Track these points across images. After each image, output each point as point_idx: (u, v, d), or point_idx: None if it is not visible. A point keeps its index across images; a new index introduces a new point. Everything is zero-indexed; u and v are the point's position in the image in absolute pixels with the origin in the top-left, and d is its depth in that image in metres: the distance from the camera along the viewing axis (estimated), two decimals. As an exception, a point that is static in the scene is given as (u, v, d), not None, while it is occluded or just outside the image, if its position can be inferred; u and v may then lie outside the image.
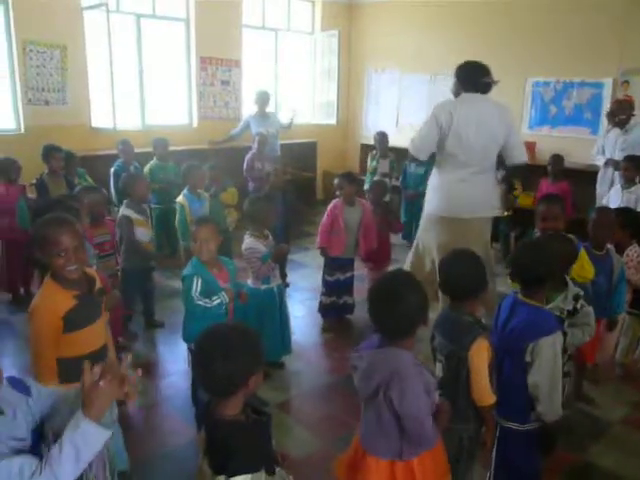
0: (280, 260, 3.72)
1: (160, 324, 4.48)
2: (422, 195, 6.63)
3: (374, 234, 4.44)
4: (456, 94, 3.81)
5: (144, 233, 4.06)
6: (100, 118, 6.70)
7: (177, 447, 3.01)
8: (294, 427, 3.23)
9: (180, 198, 4.46)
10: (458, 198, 3.67)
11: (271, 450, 1.72)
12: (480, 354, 2.04)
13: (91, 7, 6.40)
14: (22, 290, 4.98)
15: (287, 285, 5.42)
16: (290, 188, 5.30)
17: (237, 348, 1.57)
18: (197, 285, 2.86)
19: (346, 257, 4.41)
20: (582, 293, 2.57)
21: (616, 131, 5.52)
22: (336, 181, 4.41)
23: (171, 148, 6.16)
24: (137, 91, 7.28)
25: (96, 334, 2.30)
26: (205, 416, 1.68)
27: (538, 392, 2.17)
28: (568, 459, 2.94)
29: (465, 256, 2.24)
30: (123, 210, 4.04)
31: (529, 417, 2.28)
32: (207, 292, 2.88)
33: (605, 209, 3.68)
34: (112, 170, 5.67)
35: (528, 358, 2.18)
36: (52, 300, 2.14)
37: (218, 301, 2.90)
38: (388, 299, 1.83)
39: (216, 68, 7.74)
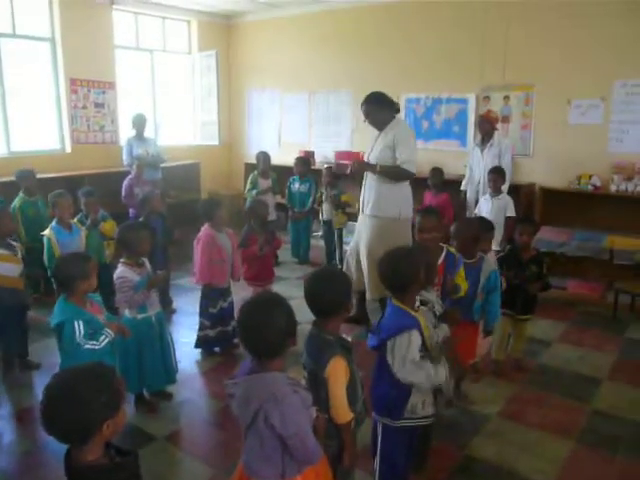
0: (158, 286, 3.59)
1: (36, 366, 4.17)
2: (307, 211, 6.86)
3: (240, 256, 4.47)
4: (389, 117, 4.42)
5: (10, 268, 3.79)
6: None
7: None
8: (184, 459, 3.11)
9: (47, 231, 4.21)
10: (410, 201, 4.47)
11: None
12: (335, 373, 2.09)
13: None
14: None
15: (173, 311, 5.28)
16: (170, 212, 5.16)
17: (83, 395, 1.49)
18: (80, 329, 2.72)
19: (224, 284, 4.37)
20: (431, 299, 2.69)
21: (477, 149, 5.98)
22: (201, 208, 4.33)
23: (43, 175, 5.81)
24: (0, 115, 6.81)
25: None
26: (64, 464, 1.58)
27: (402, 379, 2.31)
28: (450, 455, 3.08)
29: (330, 274, 2.32)
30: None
31: (400, 413, 2.39)
32: (91, 332, 2.75)
33: (467, 221, 3.99)
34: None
35: (389, 357, 2.31)
36: None
37: (107, 340, 2.78)
38: (254, 322, 1.85)
39: (88, 90, 7.43)
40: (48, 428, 1.51)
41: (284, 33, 8.57)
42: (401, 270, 2.37)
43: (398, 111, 4.51)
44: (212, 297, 4.31)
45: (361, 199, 4.64)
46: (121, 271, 3.36)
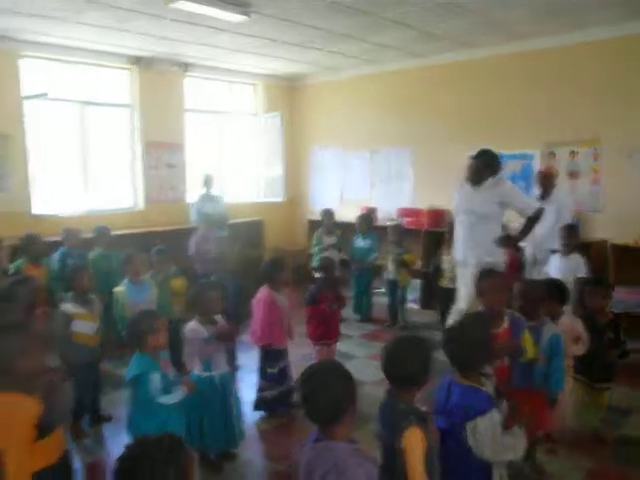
0: (226, 340, 3.63)
1: (108, 418, 4.27)
2: (369, 269, 6.87)
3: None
4: (487, 177, 4.64)
5: (87, 326, 3.94)
6: (41, 204, 6.60)
7: None
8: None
9: (119, 288, 4.37)
10: None
11: None
12: (412, 444, 2.04)
13: (31, 97, 6.44)
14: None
15: (236, 368, 5.30)
16: (240, 269, 5.27)
17: (150, 471, 1.51)
18: (155, 382, 2.78)
19: (284, 345, 4.37)
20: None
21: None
22: (264, 269, 4.38)
23: (117, 232, 6.08)
24: (80, 176, 7.25)
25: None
26: None
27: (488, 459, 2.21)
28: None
29: (412, 342, 2.25)
30: (63, 305, 3.95)
31: None
32: (164, 388, 2.81)
33: (531, 282, 3.88)
34: (55, 258, 5.51)
35: (470, 440, 2.20)
36: (23, 409, 2.04)
37: (179, 396, 2.83)
38: (311, 389, 1.88)
39: (161, 152, 7.82)
40: None
41: (343, 94, 8.82)
42: (476, 346, 2.30)
43: (500, 171, 4.74)
44: (271, 358, 4.32)
45: (456, 250, 4.83)
46: (193, 324, 3.44)
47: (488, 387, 2.39)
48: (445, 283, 6.02)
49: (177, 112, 8.04)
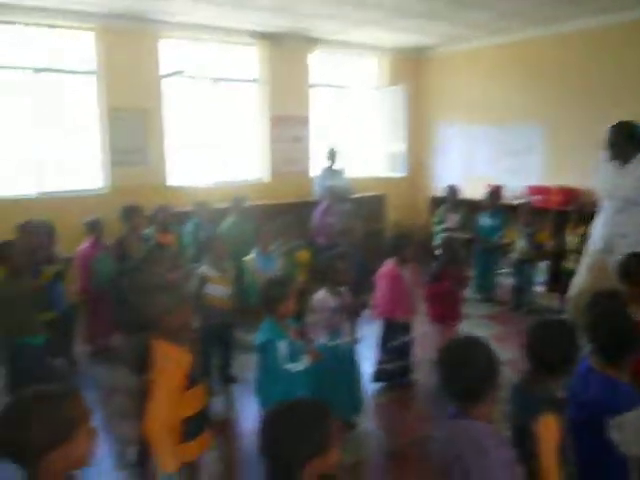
0: (352, 313, 3.68)
1: (235, 379, 4.52)
2: (495, 247, 6.62)
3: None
4: (635, 152, 4.06)
5: (220, 290, 4.17)
6: (175, 176, 7.03)
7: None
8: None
9: (249, 257, 4.55)
10: None
11: None
12: (547, 431, 1.94)
13: (169, 75, 6.82)
14: (102, 344, 5.19)
15: (357, 341, 5.36)
16: (363, 243, 5.29)
17: (291, 431, 1.55)
18: (283, 349, 2.88)
19: (406, 319, 4.35)
20: None
21: None
22: (390, 243, 4.38)
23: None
24: (211, 149, 7.61)
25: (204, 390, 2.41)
26: None
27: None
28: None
29: (559, 327, 2.14)
30: (201, 267, 4.20)
31: None
32: (292, 355, 2.90)
33: None
34: (188, 228, 5.87)
35: (614, 435, 2.06)
36: (176, 359, 2.25)
37: (305, 364, 2.92)
38: (455, 364, 1.83)
39: (287, 125, 8.01)
40: (263, 454, 1.60)
41: (473, 65, 8.47)
42: (625, 330, 2.15)
43: None
44: (394, 331, 4.32)
45: (596, 237, 4.33)
46: (322, 294, 3.52)
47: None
48: (569, 265, 5.72)
49: (302, 87, 8.16)
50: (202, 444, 2.40)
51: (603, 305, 2.32)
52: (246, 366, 4.62)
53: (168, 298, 2.29)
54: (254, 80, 7.85)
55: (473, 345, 1.88)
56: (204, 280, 4.11)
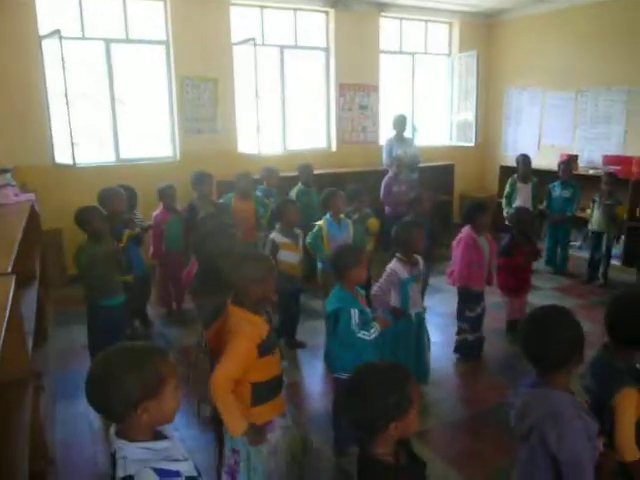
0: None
1: (302, 344, 4.62)
2: (568, 219, 6.39)
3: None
4: None
5: (291, 256, 4.24)
6: (245, 144, 7.14)
7: (314, 470, 3.01)
8: (433, 459, 3.13)
9: (321, 222, 4.57)
10: None
11: None
12: (625, 404, 1.91)
13: (240, 42, 6.86)
14: (175, 306, 5.41)
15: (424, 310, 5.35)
16: (433, 212, 5.22)
17: (374, 393, 1.57)
18: (355, 317, 2.89)
19: (481, 288, 4.29)
20: None
21: None
22: (465, 211, 4.32)
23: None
24: (280, 118, 7.66)
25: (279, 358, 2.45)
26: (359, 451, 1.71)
27: None
28: None
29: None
30: (272, 234, 4.29)
31: None
32: (363, 323, 2.92)
33: None
34: (257, 195, 5.93)
35: None
36: (254, 325, 2.29)
37: (376, 333, 2.93)
38: (542, 331, 1.80)
39: (354, 93, 7.94)
40: (344, 414, 1.65)
41: (550, 28, 8.07)
42: None
43: None
44: (470, 301, 4.27)
45: None
46: (394, 265, 3.53)
47: None
48: None
49: (371, 53, 8.04)
50: (274, 409, 2.43)
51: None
52: (312, 331, 4.74)
53: (257, 268, 2.31)
54: (322, 48, 7.79)
55: (559, 314, 1.86)
56: (276, 246, 4.19)
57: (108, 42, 6.41)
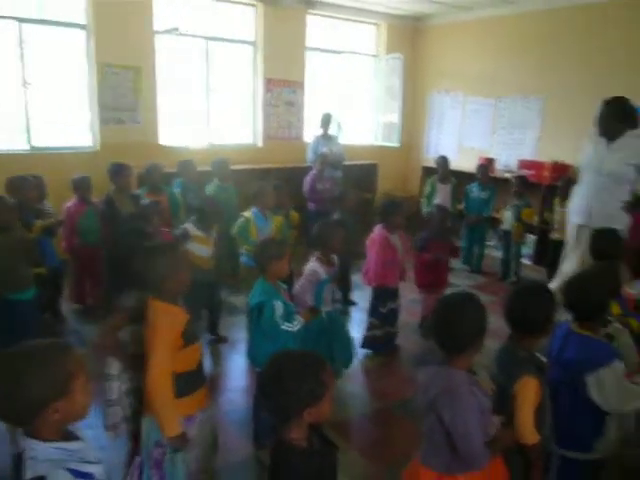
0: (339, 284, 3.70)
1: (224, 339, 4.56)
2: (484, 220, 6.66)
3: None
4: (624, 130, 4.07)
5: (202, 249, 4.19)
6: (168, 136, 6.95)
7: (234, 463, 3.04)
8: (347, 450, 3.21)
9: (247, 213, 4.53)
10: None
11: None
12: (525, 392, 2.01)
13: (163, 31, 6.68)
14: (90, 302, 5.19)
15: (353, 303, 5.44)
16: (356, 210, 5.30)
17: (288, 381, 1.59)
18: (279, 310, 2.90)
19: (396, 285, 4.40)
20: (611, 317, 2.55)
21: None
22: (380, 209, 4.40)
23: (236, 167, 6.29)
24: (204, 111, 7.52)
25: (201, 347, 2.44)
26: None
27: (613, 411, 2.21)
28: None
29: (536, 289, 2.21)
30: (187, 224, 4.24)
31: (592, 446, 2.27)
32: (286, 316, 2.93)
33: None
34: (174, 189, 5.73)
35: (593, 392, 2.15)
36: (174, 315, 2.26)
37: (299, 325, 2.95)
38: (448, 314, 1.92)
39: (281, 89, 7.92)
40: (259, 399, 1.66)
41: (473, 36, 8.37)
42: (599, 294, 2.23)
43: (637, 126, 4.10)
44: (383, 297, 4.36)
45: (579, 209, 4.34)
46: (313, 265, 3.53)
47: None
48: (555, 236, 5.84)
49: (298, 50, 8.05)
50: (198, 402, 2.41)
51: (580, 273, 2.41)
52: (233, 326, 4.70)
53: (169, 261, 2.28)
54: (249, 42, 7.72)
55: (466, 299, 1.97)
56: (186, 236, 4.12)
57: (20, 21, 6.06)
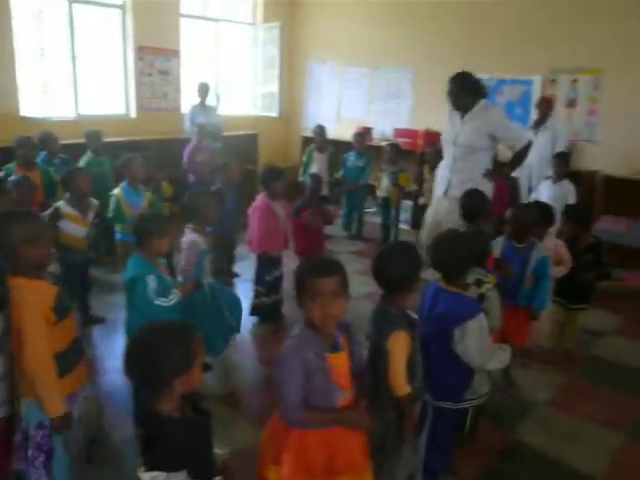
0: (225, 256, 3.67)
1: (100, 319, 4.39)
2: (362, 187, 6.88)
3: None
4: (475, 101, 4.22)
5: (77, 229, 3.98)
6: (30, 107, 6.45)
7: (116, 442, 2.99)
8: (237, 420, 3.24)
9: (116, 190, 4.35)
10: None
11: (206, 455, 1.73)
12: (396, 346, 2.11)
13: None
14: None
15: (236, 275, 5.43)
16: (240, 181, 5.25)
17: (157, 349, 1.58)
18: (152, 284, 2.82)
19: (279, 253, 4.45)
20: (485, 279, 2.73)
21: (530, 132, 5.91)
22: (261, 177, 4.41)
23: (108, 139, 5.99)
24: (70, 80, 7.05)
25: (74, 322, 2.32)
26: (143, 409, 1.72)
27: (476, 366, 2.37)
28: (497, 439, 3.11)
29: (401, 248, 2.32)
30: (59, 202, 3.99)
31: (462, 396, 2.44)
32: (162, 290, 2.85)
33: (522, 206, 3.97)
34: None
35: (459, 344, 2.30)
36: (40, 293, 2.11)
37: (175, 299, 2.89)
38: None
39: (154, 58, 7.59)
40: (127, 373, 1.63)
41: (348, 7, 8.48)
42: (460, 253, 2.38)
43: (485, 96, 4.28)
44: (268, 265, 4.40)
45: (442, 180, 4.50)
46: (192, 236, 3.46)
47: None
48: (422, 201, 6.17)
49: (172, 17, 7.74)
50: (78, 379, 2.31)
51: (442, 234, 2.57)
52: (111, 306, 4.54)
53: (26, 227, 2.10)
54: (117, 5, 7.29)
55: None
56: (58, 214, 3.88)
57: None
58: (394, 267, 2.18)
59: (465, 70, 4.30)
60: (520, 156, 4.33)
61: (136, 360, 1.60)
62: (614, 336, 4.56)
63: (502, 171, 4.46)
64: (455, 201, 4.15)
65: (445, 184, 4.42)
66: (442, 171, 4.51)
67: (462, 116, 4.28)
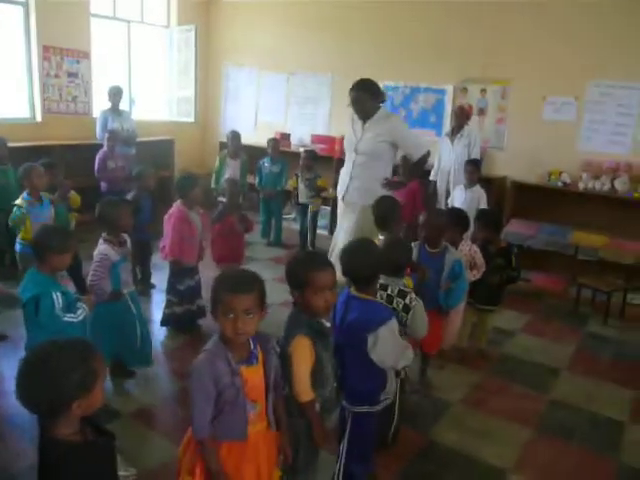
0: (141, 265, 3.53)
1: (2, 337, 4.12)
2: (279, 193, 6.86)
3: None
4: (376, 108, 4.27)
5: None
6: None
7: (19, 470, 2.78)
8: (150, 436, 3.13)
9: (19, 200, 4.11)
10: None
11: (111, 476, 1.66)
12: (298, 351, 2.08)
13: None
14: None
15: (152, 287, 5.24)
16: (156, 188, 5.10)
17: (54, 371, 1.47)
18: (58, 300, 2.68)
19: (193, 263, 4.36)
20: (407, 289, 2.78)
21: (447, 139, 6.17)
22: (176, 185, 4.32)
23: (12, 144, 5.63)
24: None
25: None
26: (39, 435, 1.58)
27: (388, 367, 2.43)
28: (413, 440, 3.17)
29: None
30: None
31: (379, 398, 2.47)
32: (67, 305, 2.72)
33: (435, 211, 4.13)
34: None
35: (372, 350, 2.32)
36: None
37: (83, 314, 2.76)
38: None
39: (62, 59, 7.24)
40: (19, 397, 1.49)
41: (265, 11, 8.46)
42: (369, 262, 2.41)
43: (384, 101, 4.35)
44: (180, 274, 4.29)
45: (340, 187, 4.53)
46: (103, 248, 3.30)
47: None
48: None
49: (82, 16, 7.41)
50: None
51: (353, 242, 2.62)
52: (14, 322, 4.26)
53: None
54: (20, 2, 6.90)
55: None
56: None
57: None
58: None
59: (359, 79, 4.32)
60: (418, 165, 4.43)
61: (29, 384, 1.47)
62: (523, 335, 4.79)
63: (397, 184, 4.54)
64: (351, 205, 4.33)
65: (344, 190, 4.46)
66: (343, 176, 4.53)
67: (363, 123, 4.32)
